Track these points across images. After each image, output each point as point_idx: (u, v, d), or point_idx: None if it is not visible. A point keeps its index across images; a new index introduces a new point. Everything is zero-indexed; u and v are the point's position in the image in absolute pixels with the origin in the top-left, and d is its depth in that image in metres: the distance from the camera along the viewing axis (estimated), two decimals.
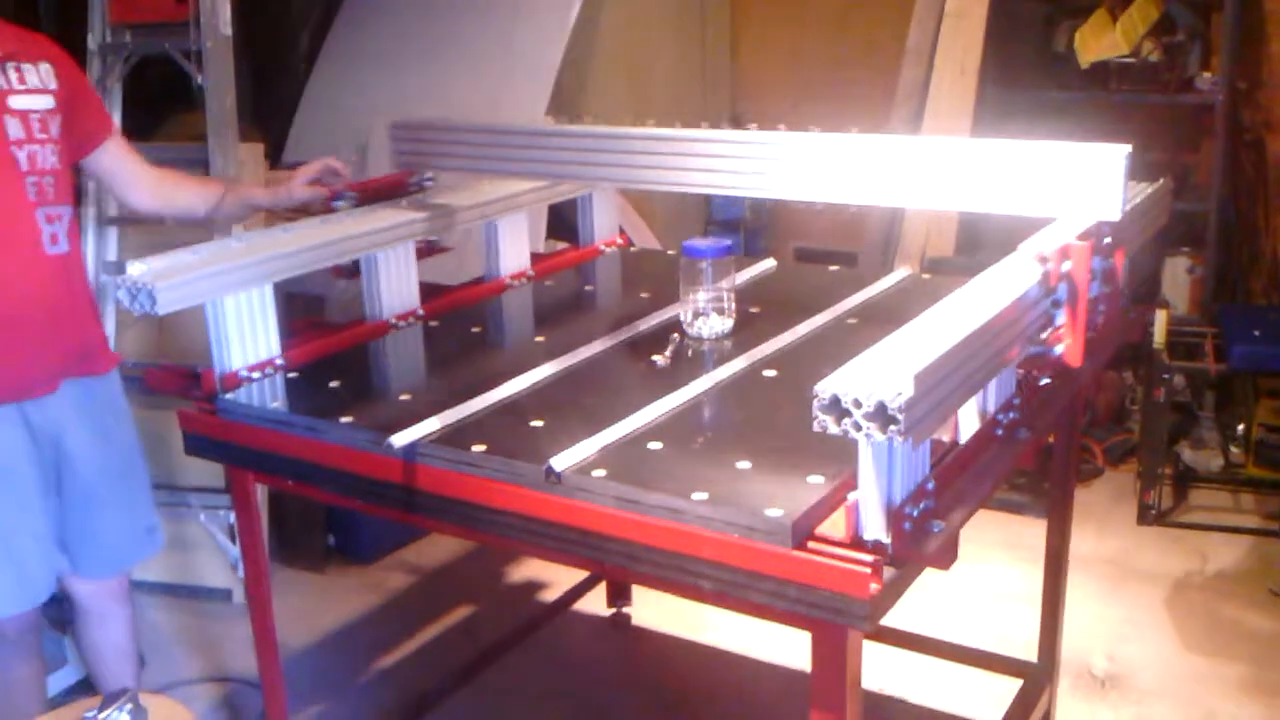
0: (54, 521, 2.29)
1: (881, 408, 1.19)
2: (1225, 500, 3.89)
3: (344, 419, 1.76)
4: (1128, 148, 1.65)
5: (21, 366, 2.15)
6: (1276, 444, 3.83)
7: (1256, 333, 3.70)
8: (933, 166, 1.76)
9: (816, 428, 1.24)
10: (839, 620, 1.34)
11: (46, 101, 2.18)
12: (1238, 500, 3.89)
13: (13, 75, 2.14)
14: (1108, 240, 1.70)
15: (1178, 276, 4.39)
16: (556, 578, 3.43)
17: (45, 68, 2.20)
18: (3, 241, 2.11)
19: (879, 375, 1.24)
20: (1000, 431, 1.63)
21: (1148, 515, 3.73)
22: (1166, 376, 3.68)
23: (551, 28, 4.02)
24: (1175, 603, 3.28)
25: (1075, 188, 1.66)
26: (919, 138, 1.81)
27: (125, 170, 2.38)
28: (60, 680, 2.91)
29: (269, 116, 4.39)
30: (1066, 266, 1.62)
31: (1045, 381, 1.73)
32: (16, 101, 2.13)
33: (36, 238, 2.15)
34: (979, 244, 4.54)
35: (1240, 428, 3.98)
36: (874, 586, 1.31)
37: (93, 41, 3.33)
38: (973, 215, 4.53)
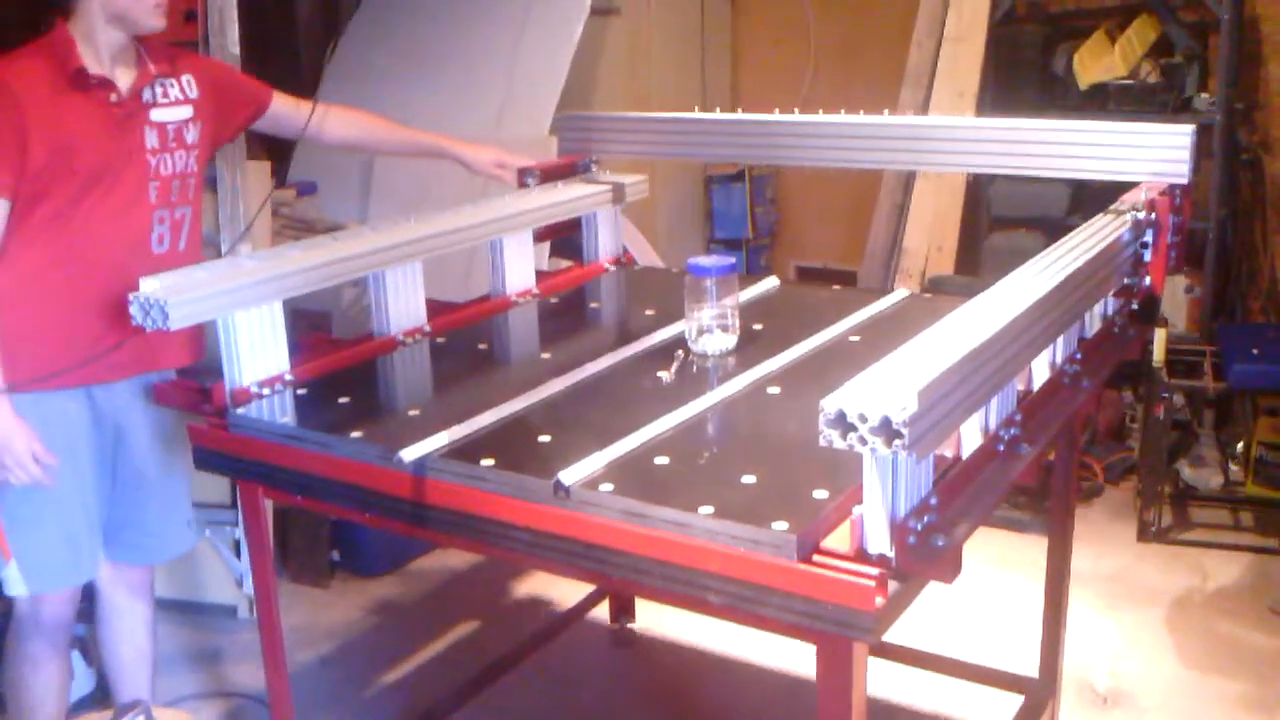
0: (105, 506, 2.38)
1: (886, 422, 1.21)
2: (1225, 518, 3.91)
3: (354, 434, 1.78)
4: (1192, 127, 2.10)
5: (100, 353, 2.21)
6: (1276, 462, 3.84)
7: (1255, 351, 3.72)
8: (1038, 142, 2.24)
9: (822, 442, 1.26)
10: (844, 633, 1.35)
11: (185, 112, 2.33)
12: (1237, 518, 3.90)
13: (158, 91, 2.29)
14: (1179, 199, 2.11)
15: (1176, 295, 4.41)
16: (560, 593, 3.45)
17: (187, 79, 2.35)
18: (116, 236, 2.25)
19: (884, 390, 1.26)
20: (1002, 448, 1.65)
21: (1148, 533, 3.75)
22: (1166, 395, 3.70)
23: (555, 47, 4.05)
24: (1175, 620, 3.29)
25: (1153, 158, 2.12)
26: (1033, 120, 2.31)
27: (293, 120, 2.58)
28: (71, 693, 2.91)
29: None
30: (1153, 216, 2.05)
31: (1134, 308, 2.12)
32: (157, 114, 2.29)
33: (146, 237, 2.29)
34: (978, 263, 4.57)
35: (1240, 446, 3.99)
36: (879, 599, 1.32)
37: None
38: (972, 236, 4.58)
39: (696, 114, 2.63)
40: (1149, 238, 2.07)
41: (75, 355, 2.20)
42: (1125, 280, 2.07)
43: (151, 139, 2.27)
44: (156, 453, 2.42)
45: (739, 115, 2.56)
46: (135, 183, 2.26)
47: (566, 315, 2.51)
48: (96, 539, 2.38)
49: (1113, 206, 2.10)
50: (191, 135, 2.34)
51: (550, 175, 2.68)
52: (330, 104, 2.67)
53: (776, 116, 2.51)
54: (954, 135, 2.34)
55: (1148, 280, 2.11)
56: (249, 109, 2.51)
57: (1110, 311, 2.10)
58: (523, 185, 2.62)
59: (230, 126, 2.51)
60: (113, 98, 2.21)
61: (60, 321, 2.21)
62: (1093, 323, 2.04)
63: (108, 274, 2.20)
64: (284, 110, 2.56)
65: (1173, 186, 2.10)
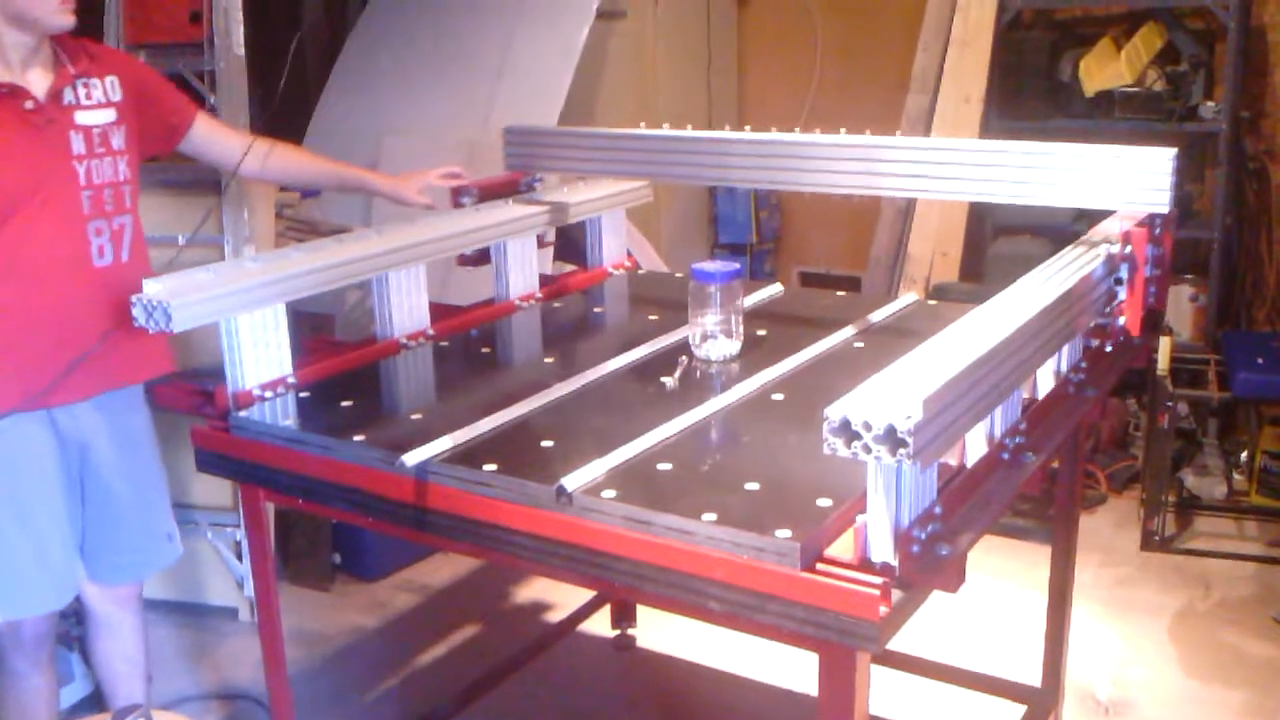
0: (78, 526, 2.34)
1: (891, 431, 1.21)
2: (1228, 527, 3.90)
3: (356, 437, 1.77)
4: (1174, 150, 1.88)
5: (55, 375, 2.16)
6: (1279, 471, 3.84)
7: (1260, 360, 3.71)
8: (1010, 167, 2.00)
9: (827, 450, 1.25)
10: (847, 642, 1.35)
11: (109, 115, 2.25)
12: (1241, 527, 3.90)
13: (81, 92, 2.21)
14: (1159, 229, 1.92)
15: (1181, 304, 4.41)
16: (561, 599, 3.44)
17: (111, 80, 2.27)
18: (54, 252, 2.17)
19: (889, 398, 1.26)
20: (1006, 456, 1.64)
21: (1151, 541, 3.74)
22: (1170, 403, 3.69)
23: (560, 53, 4.05)
24: (1178, 629, 3.29)
25: (1131, 184, 1.91)
26: (999, 141, 2.06)
27: (216, 146, 2.49)
28: (68, 696, 2.91)
29: (278, 138, 4.42)
30: (1128, 250, 1.85)
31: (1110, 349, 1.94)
32: (81, 117, 2.21)
33: (85, 251, 2.21)
34: (983, 269, 4.57)
35: (1244, 455, 3.99)
36: (883, 609, 1.32)
37: None
38: (976, 242, 4.58)
39: (645, 130, 2.47)
40: (1124, 273, 1.88)
41: (25, 380, 2.14)
42: (1098, 320, 1.88)
43: (78, 144, 2.19)
44: (126, 470, 2.37)
45: (691, 133, 2.41)
46: (66, 194, 2.17)
47: (570, 320, 2.50)
48: (74, 561, 2.34)
49: (1083, 238, 1.92)
50: (118, 140, 2.26)
51: (489, 194, 2.55)
52: (273, 141, 2.56)
53: (729, 134, 2.34)
54: (905, 158, 2.13)
55: (1122, 320, 1.89)
56: (168, 122, 2.41)
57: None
58: (458, 205, 2.49)
59: (148, 136, 2.36)
60: (28, 104, 2.12)
61: (5, 347, 2.15)
62: None
63: (50, 292, 2.16)
64: (214, 137, 2.47)
65: (1152, 216, 1.92)
